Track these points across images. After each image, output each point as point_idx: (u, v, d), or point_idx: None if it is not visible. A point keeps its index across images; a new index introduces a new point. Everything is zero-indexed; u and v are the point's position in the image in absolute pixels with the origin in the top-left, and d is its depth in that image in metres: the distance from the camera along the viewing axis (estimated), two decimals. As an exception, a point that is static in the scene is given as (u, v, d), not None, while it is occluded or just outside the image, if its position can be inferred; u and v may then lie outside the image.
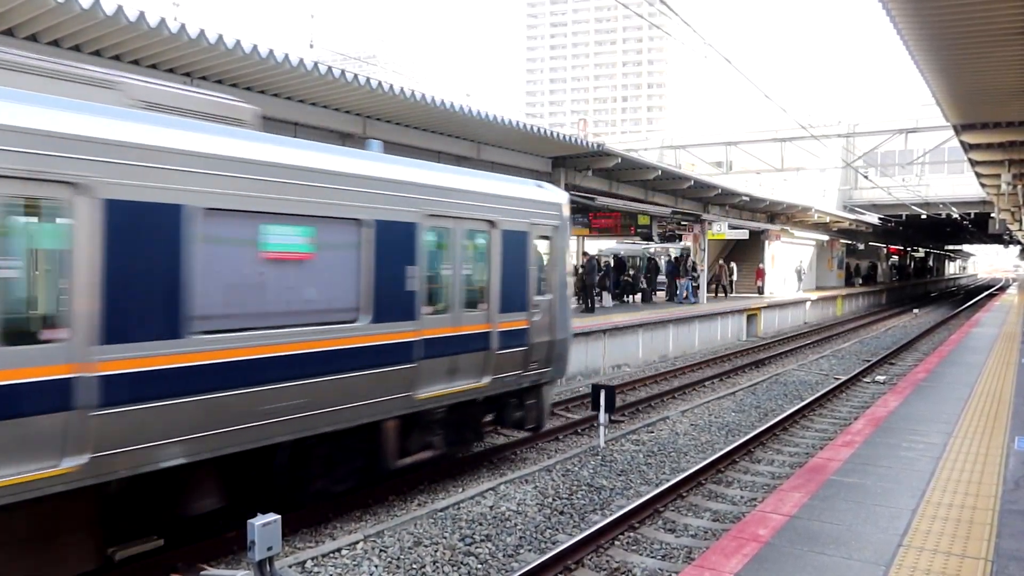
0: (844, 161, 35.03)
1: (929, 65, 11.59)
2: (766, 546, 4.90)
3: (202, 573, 6.37)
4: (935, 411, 9.16)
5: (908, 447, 7.42)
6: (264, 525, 5.39)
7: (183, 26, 8.88)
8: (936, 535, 5.13)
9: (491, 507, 8.19)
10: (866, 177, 33.30)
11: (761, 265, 33.13)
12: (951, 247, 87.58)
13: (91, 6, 8.04)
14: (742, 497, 8.83)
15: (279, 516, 5.56)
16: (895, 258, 61.22)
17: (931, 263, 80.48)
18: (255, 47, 9.53)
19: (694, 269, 27.18)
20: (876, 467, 6.72)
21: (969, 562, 4.68)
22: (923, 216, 41.33)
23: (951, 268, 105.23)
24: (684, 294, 26.27)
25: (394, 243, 7.53)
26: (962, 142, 17.92)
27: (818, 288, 39.72)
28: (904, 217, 42.95)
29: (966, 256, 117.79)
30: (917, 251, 69.87)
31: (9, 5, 7.95)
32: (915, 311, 40.14)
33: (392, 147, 14.26)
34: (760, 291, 32.83)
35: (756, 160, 28.76)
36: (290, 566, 6.51)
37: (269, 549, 5.45)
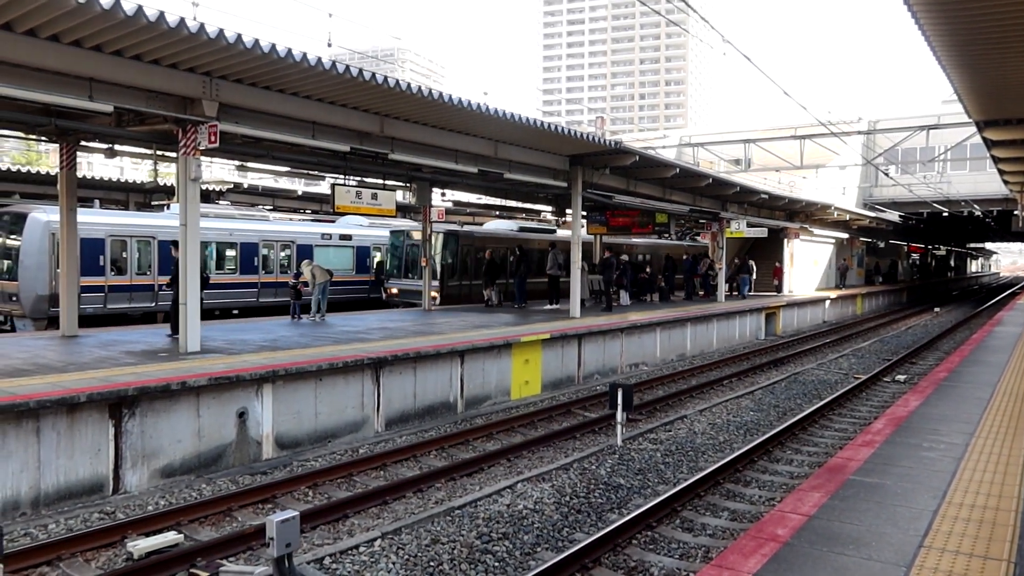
0: (864, 158, 34.72)
1: (951, 61, 11.45)
2: (785, 546, 4.87)
3: (221, 569, 6.43)
4: (956, 411, 9.05)
5: (929, 447, 7.34)
6: (283, 522, 5.43)
7: (202, 25, 8.93)
8: (957, 536, 5.07)
9: (508, 505, 8.20)
10: (887, 174, 32.94)
11: (778, 264, 32.90)
12: (973, 245, 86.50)
13: (111, 6, 8.11)
14: (760, 497, 8.79)
15: (297, 513, 5.60)
16: (916, 256, 60.56)
17: (952, 261, 79.54)
18: (273, 46, 9.58)
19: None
20: (896, 467, 6.65)
21: (991, 563, 4.63)
22: (944, 214, 40.83)
23: (973, 266, 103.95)
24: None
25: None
26: (985, 139, 17.69)
27: (837, 287, 39.41)
28: (925, 215, 42.46)
29: (988, 254, 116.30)
30: (938, 249, 69.07)
31: (32, 5, 8.04)
32: (936, 310, 39.71)
33: (410, 146, 14.41)
34: (778, 290, 32.61)
35: (775, 157, 28.48)
36: (308, 562, 6.55)
37: (288, 546, 5.49)
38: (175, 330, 13.32)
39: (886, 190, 41.71)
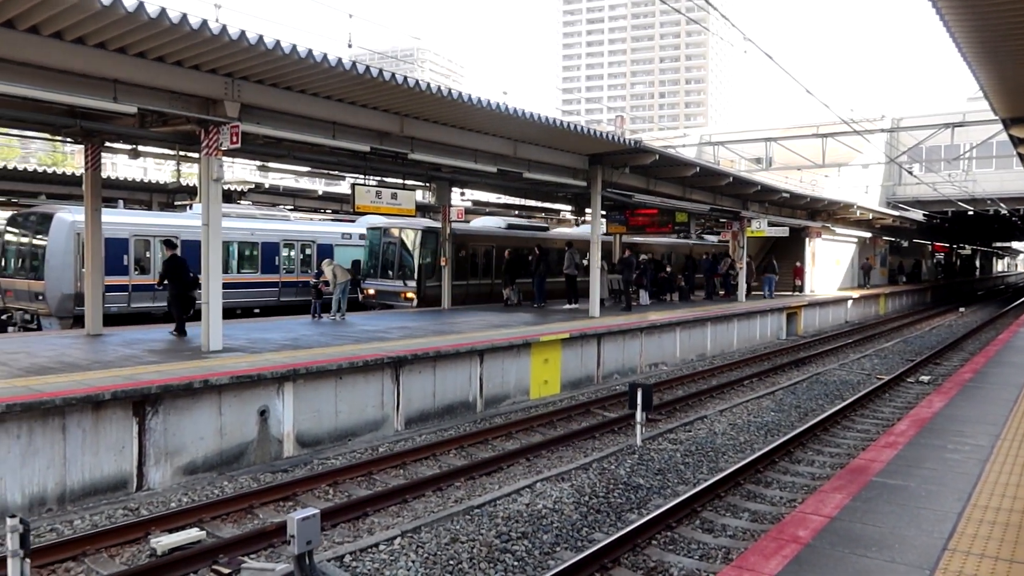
0: (888, 156, 34.35)
1: (977, 58, 11.31)
2: (806, 548, 4.83)
3: (243, 566, 6.48)
4: (982, 412, 8.94)
5: (954, 449, 7.26)
6: (304, 519, 5.47)
7: (224, 27, 9.01)
8: (983, 539, 5.01)
9: (528, 504, 8.20)
10: (910, 173, 32.55)
11: (798, 263, 32.53)
12: (999, 244, 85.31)
13: (136, 8, 8.20)
14: (781, 498, 8.72)
15: (318, 511, 5.64)
16: (940, 255, 59.83)
17: (978, 261, 78.49)
18: (294, 47, 9.65)
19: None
20: (920, 469, 6.58)
21: (1018, 567, 4.56)
22: (970, 212, 40.31)
23: (999, 266, 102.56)
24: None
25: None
26: (1011, 136, 17.45)
27: (860, 286, 39.01)
28: (950, 213, 41.92)
29: (1015, 253, 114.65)
30: (963, 248, 68.18)
31: (58, 8, 8.15)
32: (961, 310, 39.22)
33: (429, 146, 14.45)
34: (799, 289, 32.24)
35: (797, 156, 28.24)
36: (329, 560, 6.59)
37: (308, 543, 5.53)
38: (180, 331, 13.53)
39: (910, 188, 41.23)
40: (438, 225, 22.25)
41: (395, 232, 22.51)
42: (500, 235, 25.13)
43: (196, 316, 12.52)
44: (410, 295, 21.62)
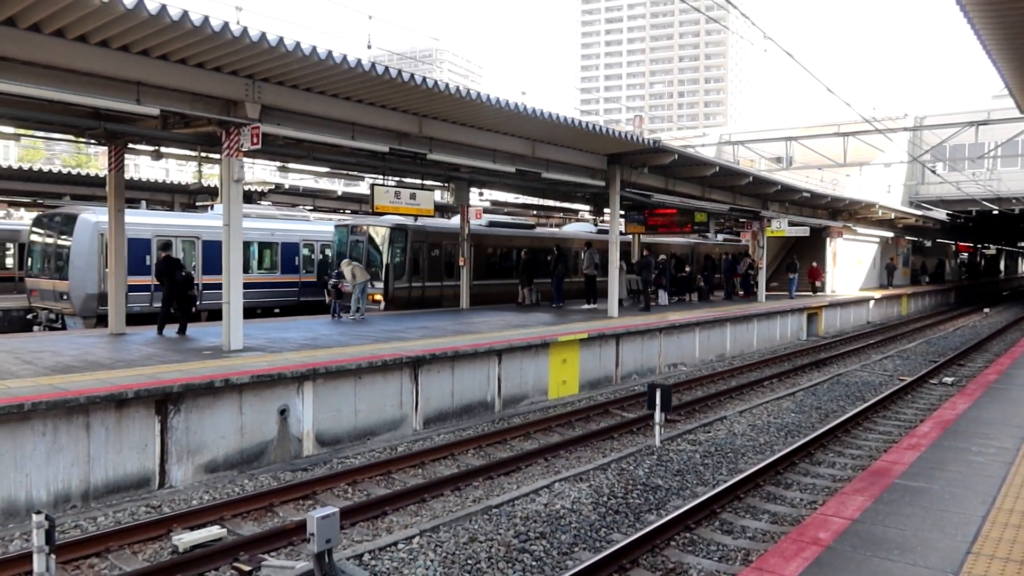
0: (910, 155, 33.98)
1: (1002, 54, 11.16)
2: (827, 550, 4.80)
3: (263, 564, 6.53)
4: (1007, 414, 8.82)
5: (978, 451, 7.17)
6: (323, 518, 5.50)
7: (245, 29, 9.09)
8: (1008, 543, 4.94)
9: (546, 505, 8.20)
10: (934, 172, 32.19)
11: (815, 263, 32.12)
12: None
13: (159, 12, 8.30)
14: (802, 500, 8.66)
15: (337, 509, 5.66)
16: (964, 255, 59.08)
17: (1003, 261, 77.43)
18: (314, 48, 9.71)
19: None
20: (943, 471, 6.51)
21: (1043, 572, 4.50)
22: (995, 212, 39.78)
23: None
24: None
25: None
26: (1037, 134, 17.20)
27: (882, 286, 38.62)
28: (974, 213, 41.40)
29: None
30: (988, 248, 67.29)
31: (82, 12, 8.26)
32: (986, 310, 38.71)
33: (448, 146, 14.49)
34: (817, 290, 31.81)
35: (817, 155, 27.99)
36: (348, 558, 6.62)
37: (328, 541, 5.56)
38: (160, 330, 13.67)
39: (933, 188, 40.76)
40: (409, 222, 20.77)
41: (363, 230, 21.16)
42: (480, 233, 23.67)
43: (197, 317, 12.65)
44: (377, 297, 20.35)
